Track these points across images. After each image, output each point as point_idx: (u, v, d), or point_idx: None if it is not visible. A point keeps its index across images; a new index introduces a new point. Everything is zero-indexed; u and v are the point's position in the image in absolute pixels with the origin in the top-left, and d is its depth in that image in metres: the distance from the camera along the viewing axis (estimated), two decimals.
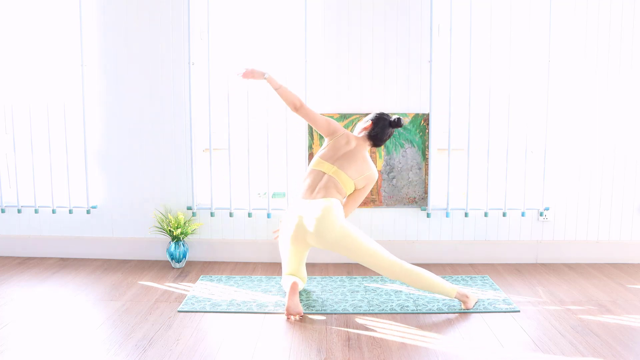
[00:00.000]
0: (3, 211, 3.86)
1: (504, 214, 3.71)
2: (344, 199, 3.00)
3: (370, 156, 3.63)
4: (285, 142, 3.68)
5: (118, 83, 3.72)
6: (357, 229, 2.85)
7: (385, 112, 3.65)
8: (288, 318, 2.74)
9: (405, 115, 3.66)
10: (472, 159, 3.70)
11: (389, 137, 3.06)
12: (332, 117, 3.65)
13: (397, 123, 3.00)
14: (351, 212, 3.03)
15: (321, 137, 3.66)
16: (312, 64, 3.64)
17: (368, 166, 2.97)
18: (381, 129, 3.00)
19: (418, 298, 3.02)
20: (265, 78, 2.93)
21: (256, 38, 3.66)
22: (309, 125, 3.66)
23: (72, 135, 3.76)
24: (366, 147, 3.02)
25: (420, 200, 3.73)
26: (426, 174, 3.70)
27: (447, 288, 2.82)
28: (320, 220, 2.77)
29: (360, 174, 2.94)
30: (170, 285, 3.27)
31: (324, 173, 2.93)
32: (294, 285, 2.82)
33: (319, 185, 2.92)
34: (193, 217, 3.79)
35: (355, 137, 3.03)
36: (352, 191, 3.00)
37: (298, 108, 2.95)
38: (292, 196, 3.77)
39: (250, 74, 2.93)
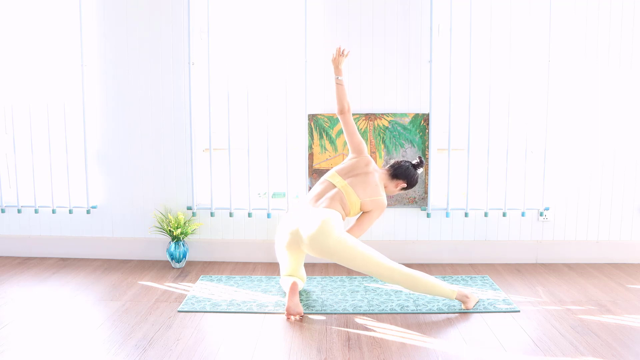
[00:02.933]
0: (3, 211, 3.86)
1: (504, 214, 3.71)
2: (347, 218, 3.01)
3: (371, 155, 3.64)
4: (285, 142, 3.68)
5: (118, 83, 3.72)
6: (353, 237, 2.83)
7: (386, 113, 3.66)
8: (288, 318, 2.74)
9: (405, 115, 3.66)
10: (472, 159, 3.70)
11: (410, 173, 3.07)
12: (332, 117, 3.65)
13: (419, 164, 3.11)
14: (358, 237, 2.98)
15: (321, 137, 3.66)
16: (312, 64, 3.64)
17: (378, 192, 2.99)
18: (398, 163, 3.09)
19: (418, 298, 3.02)
20: (339, 78, 3.05)
21: (256, 38, 3.66)
22: (309, 125, 3.66)
23: (72, 135, 3.76)
24: (383, 177, 3.06)
25: (420, 200, 3.73)
26: (426, 174, 3.70)
27: (447, 290, 2.82)
28: (316, 231, 2.75)
29: (368, 197, 2.96)
30: (170, 285, 3.27)
31: (334, 186, 2.97)
32: (293, 286, 2.82)
33: (325, 195, 2.95)
34: (193, 217, 3.79)
35: (376, 166, 3.10)
36: (357, 212, 3.00)
37: (345, 112, 3.06)
38: (292, 196, 3.77)
39: (338, 61, 3.07)
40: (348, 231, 2.95)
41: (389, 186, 3.09)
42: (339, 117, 3.09)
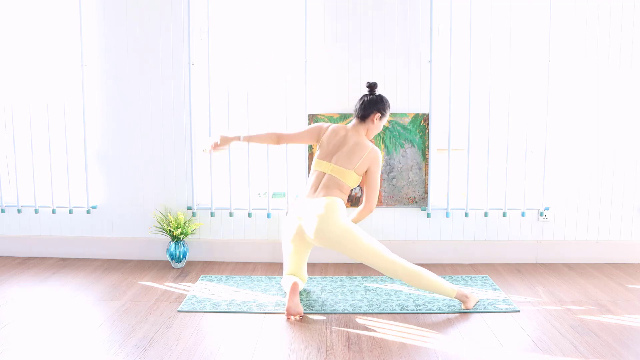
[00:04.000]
0: (3, 211, 3.86)
1: (504, 214, 3.71)
2: (348, 196, 2.99)
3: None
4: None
5: (118, 83, 3.72)
6: (358, 227, 2.84)
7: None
8: (288, 318, 2.74)
9: (405, 115, 3.66)
10: (472, 159, 3.70)
11: (372, 101, 2.97)
12: (332, 117, 3.65)
13: (371, 86, 3.00)
14: (374, 200, 2.94)
15: None
16: (312, 64, 3.64)
17: (364, 147, 2.90)
18: (357, 107, 3.01)
19: (418, 298, 3.02)
20: (241, 140, 2.99)
21: (256, 38, 3.67)
22: (309, 125, 3.65)
23: (72, 135, 3.76)
24: (358, 128, 2.97)
25: (420, 200, 3.73)
26: (426, 174, 3.70)
27: (447, 288, 2.82)
28: (321, 218, 2.77)
29: (358, 159, 2.89)
30: (170, 285, 3.27)
31: (324, 173, 2.94)
32: (294, 286, 2.82)
33: (320, 184, 2.93)
34: (193, 217, 3.79)
35: (343, 126, 3.03)
36: (357, 179, 2.93)
37: (279, 141, 3.04)
38: (292, 196, 3.77)
39: (220, 144, 2.95)
40: (364, 202, 2.95)
41: (369, 129, 2.98)
42: (281, 145, 3.08)
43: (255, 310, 2.84)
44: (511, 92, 3.63)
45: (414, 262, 3.72)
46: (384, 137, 3.66)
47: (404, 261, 2.79)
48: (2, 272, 3.52)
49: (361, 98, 3.01)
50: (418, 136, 3.67)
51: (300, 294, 3.09)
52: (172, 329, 2.60)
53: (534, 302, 2.97)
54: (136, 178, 3.79)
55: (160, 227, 3.69)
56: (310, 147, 3.68)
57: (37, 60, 3.69)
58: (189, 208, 3.77)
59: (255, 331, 2.59)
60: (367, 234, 2.84)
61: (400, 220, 3.77)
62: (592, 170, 3.74)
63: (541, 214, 3.75)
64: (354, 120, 3.03)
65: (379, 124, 3.01)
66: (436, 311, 2.83)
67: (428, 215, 3.72)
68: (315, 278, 3.40)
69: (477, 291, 3.14)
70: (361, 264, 3.63)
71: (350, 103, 3.66)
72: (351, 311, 2.84)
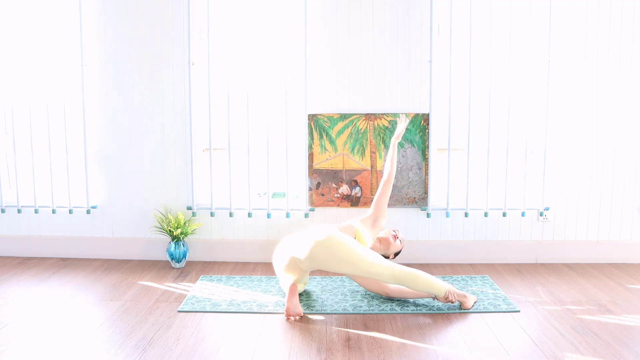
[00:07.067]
0: (3, 211, 3.86)
1: (504, 214, 3.71)
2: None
3: (371, 156, 3.65)
4: (285, 142, 3.68)
5: (118, 83, 3.72)
6: (350, 239, 2.85)
7: (386, 113, 3.66)
8: (288, 319, 2.74)
9: (405, 115, 3.65)
10: (472, 159, 3.69)
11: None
12: (332, 117, 3.65)
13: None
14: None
15: (321, 137, 3.66)
16: (312, 64, 3.64)
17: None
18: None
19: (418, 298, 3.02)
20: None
21: (256, 38, 3.67)
22: (309, 125, 3.66)
23: (72, 135, 3.76)
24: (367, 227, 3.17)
25: (420, 200, 3.73)
26: (426, 174, 3.70)
27: (441, 286, 2.82)
28: (324, 238, 2.80)
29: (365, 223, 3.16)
30: (170, 285, 3.27)
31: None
32: (293, 287, 2.82)
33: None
34: (193, 217, 3.79)
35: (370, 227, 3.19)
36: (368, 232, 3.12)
37: (386, 181, 3.25)
38: (292, 196, 3.77)
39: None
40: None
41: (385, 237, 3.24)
42: (383, 184, 3.27)
43: (255, 310, 2.84)
44: (511, 92, 3.63)
45: (413, 262, 3.74)
46: (384, 137, 3.66)
47: (398, 265, 2.80)
48: (2, 272, 3.52)
49: None
50: (418, 136, 3.67)
51: (300, 295, 3.09)
52: (172, 329, 2.60)
53: (534, 302, 2.97)
54: (136, 178, 3.79)
55: (160, 227, 3.69)
56: (311, 147, 3.68)
57: (37, 60, 3.69)
58: (189, 208, 3.77)
59: (255, 331, 2.59)
60: (367, 249, 2.86)
61: (400, 220, 3.77)
62: (592, 170, 3.74)
63: (541, 214, 3.75)
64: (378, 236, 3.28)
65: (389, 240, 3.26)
66: (436, 311, 2.83)
67: (428, 215, 3.72)
68: (315, 278, 3.40)
69: (476, 291, 3.14)
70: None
71: (350, 103, 3.66)
72: (351, 311, 2.84)
